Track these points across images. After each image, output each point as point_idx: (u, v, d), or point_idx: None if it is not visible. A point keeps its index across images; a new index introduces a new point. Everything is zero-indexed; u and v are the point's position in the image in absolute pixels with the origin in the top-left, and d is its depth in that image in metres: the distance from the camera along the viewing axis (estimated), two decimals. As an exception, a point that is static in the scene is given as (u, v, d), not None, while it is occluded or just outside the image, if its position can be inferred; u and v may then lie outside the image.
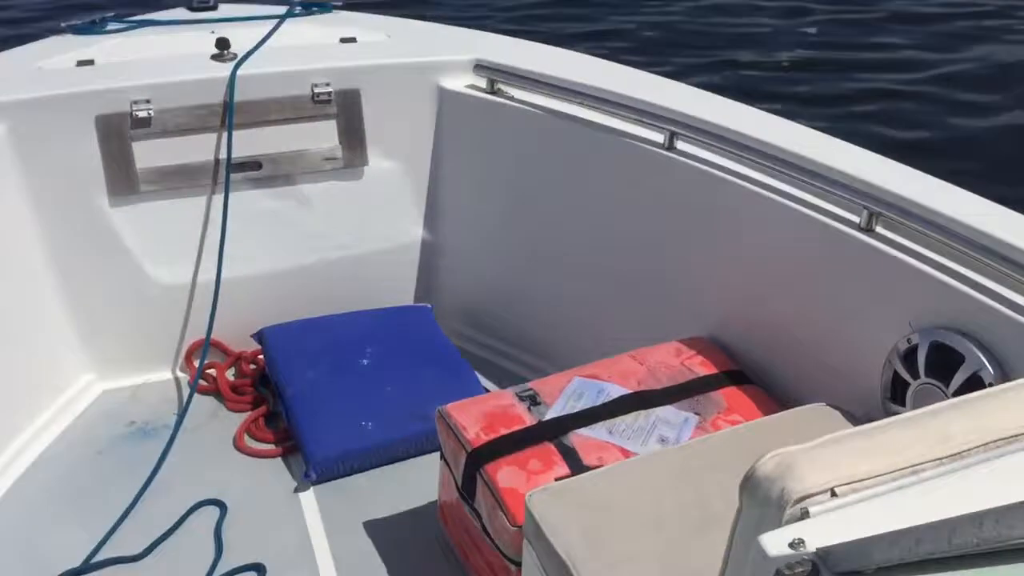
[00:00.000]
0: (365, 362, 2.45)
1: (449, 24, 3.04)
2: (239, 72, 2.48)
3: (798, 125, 2.15)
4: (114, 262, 2.50)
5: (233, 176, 2.52)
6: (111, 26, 2.86)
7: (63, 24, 2.84)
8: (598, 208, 2.44)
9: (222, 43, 2.57)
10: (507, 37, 2.84)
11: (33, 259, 2.41)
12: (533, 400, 1.90)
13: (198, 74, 2.48)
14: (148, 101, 2.42)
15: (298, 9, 3.01)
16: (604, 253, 2.45)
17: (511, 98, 2.55)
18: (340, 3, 3.08)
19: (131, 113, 2.41)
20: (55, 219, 2.42)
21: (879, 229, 1.80)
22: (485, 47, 2.70)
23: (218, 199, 2.53)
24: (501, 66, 2.57)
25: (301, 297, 2.66)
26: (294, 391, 2.36)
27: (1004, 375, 1.54)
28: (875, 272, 1.78)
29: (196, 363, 2.56)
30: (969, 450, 1.00)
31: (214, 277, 2.51)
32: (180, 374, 2.64)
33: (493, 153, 2.63)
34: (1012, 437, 1.02)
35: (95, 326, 2.54)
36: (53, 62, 2.55)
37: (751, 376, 2.04)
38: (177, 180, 2.50)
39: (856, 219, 1.83)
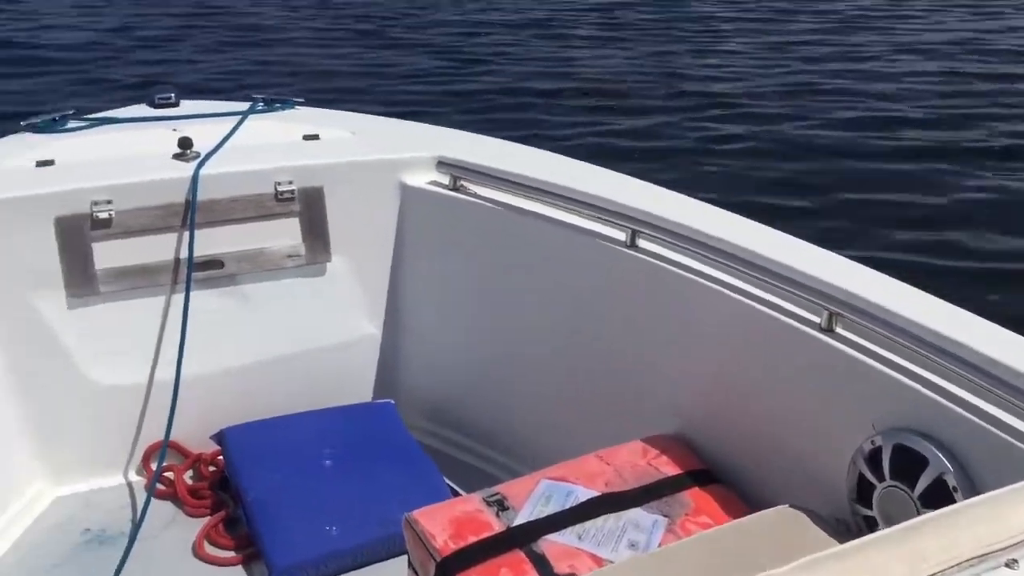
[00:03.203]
0: (327, 463, 2.42)
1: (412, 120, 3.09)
2: (202, 171, 2.49)
3: (759, 224, 2.19)
4: (70, 364, 2.45)
5: (195, 275, 2.50)
6: (71, 124, 2.86)
7: (22, 123, 2.83)
8: (562, 305, 2.45)
9: (184, 142, 2.57)
10: (469, 133, 2.89)
11: None
12: (501, 505, 1.88)
13: (161, 174, 2.48)
14: (109, 202, 2.41)
15: (260, 106, 3.04)
16: (568, 350, 2.46)
17: (473, 195, 2.59)
18: (302, 100, 3.12)
19: (91, 214, 2.39)
20: (10, 321, 2.37)
21: (839, 330, 1.83)
22: (447, 144, 2.74)
23: (178, 298, 2.51)
24: (462, 163, 2.61)
25: (262, 395, 2.62)
26: (254, 495, 2.31)
27: (967, 478, 1.56)
28: (837, 373, 1.81)
29: (154, 466, 2.51)
30: (944, 571, 1.01)
31: (173, 377, 2.47)
32: (136, 478, 2.58)
33: (456, 249, 2.65)
34: (982, 556, 1.03)
35: (48, 430, 2.47)
36: (12, 163, 2.53)
37: (718, 475, 2.04)
38: (137, 280, 2.48)
39: (817, 319, 1.86)
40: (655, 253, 2.22)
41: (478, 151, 2.67)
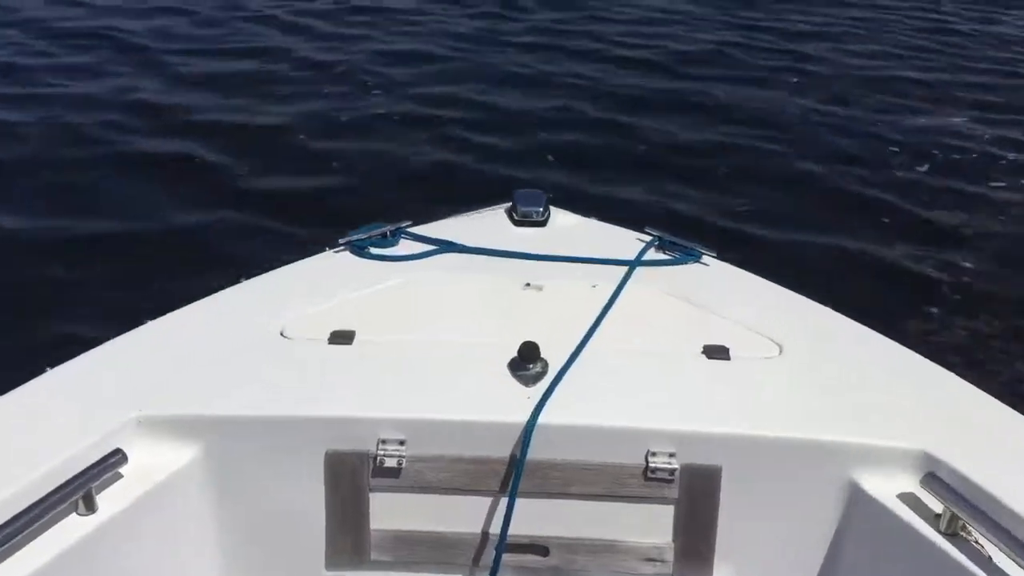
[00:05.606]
0: None
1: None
2: (541, 417, 1.61)
3: None
4: None
5: (506, 558, 1.66)
6: (402, 243, 2.13)
7: (340, 241, 2.12)
8: None
9: (529, 352, 1.70)
10: (990, 399, 1.71)
11: None
12: None
13: (479, 414, 1.63)
14: (402, 443, 1.62)
15: (651, 251, 2.10)
16: None
17: (978, 553, 1.47)
18: (714, 253, 2.12)
19: (375, 456, 1.62)
20: None
21: None
22: (944, 426, 1.62)
23: None
24: (967, 494, 1.48)
25: None
26: None
27: None
28: None
29: None
30: None
31: None
32: None
33: None
34: None
35: None
36: (303, 327, 1.82)
37: None
38: (424, 553, 1.69)
39: None
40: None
41: (1000, 468, 1.53)
